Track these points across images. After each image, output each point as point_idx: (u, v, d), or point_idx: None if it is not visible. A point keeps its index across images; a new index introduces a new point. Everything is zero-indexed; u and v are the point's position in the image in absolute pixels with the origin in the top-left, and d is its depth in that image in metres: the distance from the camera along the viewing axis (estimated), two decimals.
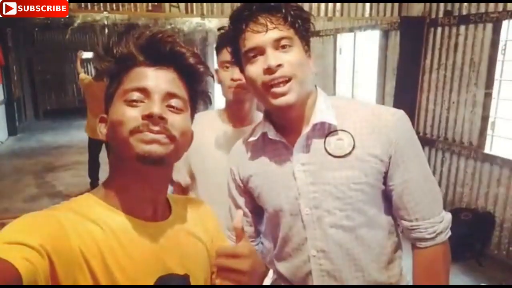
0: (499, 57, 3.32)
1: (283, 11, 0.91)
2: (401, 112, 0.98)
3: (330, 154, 0.95)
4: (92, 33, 10.69)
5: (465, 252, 3.28)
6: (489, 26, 3.33)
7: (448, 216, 1.00)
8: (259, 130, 1.03)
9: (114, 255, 0.65)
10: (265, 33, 0.90)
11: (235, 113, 1.40)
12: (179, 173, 1.42)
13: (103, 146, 4.49)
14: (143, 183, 0.71)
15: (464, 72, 3.59)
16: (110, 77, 0.73)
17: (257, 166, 1.04)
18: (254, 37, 0.91)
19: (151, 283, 0.68)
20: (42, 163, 6.36)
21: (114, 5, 2.48)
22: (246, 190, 1.09)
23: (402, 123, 0.96)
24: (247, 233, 1.09)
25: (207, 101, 0.81)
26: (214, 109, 1.47)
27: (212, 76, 0.82)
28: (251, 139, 1.05)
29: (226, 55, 1.27)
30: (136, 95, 0.68)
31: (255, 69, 0.92)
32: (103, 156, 4.56)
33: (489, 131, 3.49)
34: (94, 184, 4.88)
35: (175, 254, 0.73)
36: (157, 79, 0.70)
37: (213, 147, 1.38)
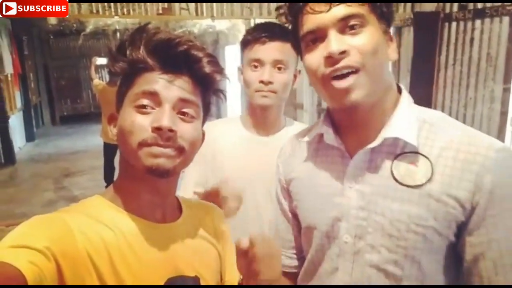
0: None
1: None
2: (509, 151, 0.73)
3: (396, 180, 0.74)
4: (106, 39, 10.86)
5: None
6: (506, 19, 3.24)
7: None
8: (315, 130, 0.86)
9: (123, 257, 0.64)
10: (328, 9, 0.70)
11: (260, 120, 1.26)
12: (186, 189, 1.27)
13: (118, 150, 4.54)
14: (151, 189, 0.71)
15: (481, 67, 3.51)
16: (123, 77, 0.71)
17: (303, 170, 0.88)
18: (314, 17, 0.71)
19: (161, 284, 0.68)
20: (59, 168, 6.46)
21: (125, 9, 2.51)
22: (288, 192, 0.93)
23: (507, 166, 0.71)
24: (291, 243, 0.95)
25: (222, 99, 0.78)
26: (237, 115, 1.36)
27: (229, 79, 0.78)
28: (305, 139, 0.88)
29: (257, 52, 1.18)
30: (146, 101, 0.66)
31: (314, 58, 0.73)
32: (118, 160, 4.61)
33: (508, 127, 3.40)
34: None
35: (185, 255, 0.73)
36: (170, 84, 0.67)
37: (233, 155, 1.26)
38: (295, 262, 0.96)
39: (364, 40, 0.70)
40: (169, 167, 0.66)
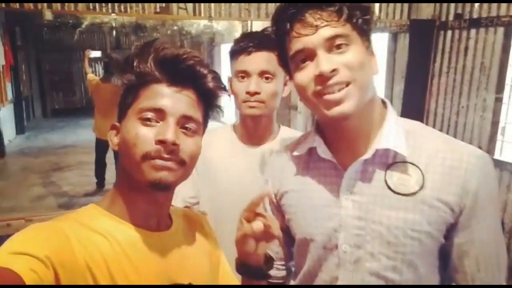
0: (511, 61, 3.28)
1: (336, 3, 0.74)
2: (487, 157, 0.80)
3: (390, 189, 0.78)
4: (101, 33, 10.77)
5: None
6: (501, 30, 3.28)
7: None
8: (307, 143, 0.88)
9: (120, 266, 0.64)
10: (315, 31, 0.74)
11: (250, 129, 1.25)
12: (177, 199, 1.23)
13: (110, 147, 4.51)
14: (150, 200, 0.71)
15: (474, 76, 3.54)
16: (127, 87, 0.72)
17: (295, 183, 0.90)
18: (302, 38, 0.75)
19: None
20: (49, 163, 6.40)
21: (122, 7, 2.48)
22: (279, 207, 0.95)
23: (487, 172, 0.78)
24: (278, 255, 0.98)
25: (219, 113, 0.80)
26: (229, 124, 1.36)
27: (229, 95, 0.80)
28: (295, 153, 0.90)
29: (242, 63, 1.17)
30: (151, 114, 0.67)
31: (305, 76, 0.77)
32: (110, 157, 4.58)
33: (499, 137, 3.45)
34: (100, 184, 4.90)
35: (179, 263, 0.73)
36: (175, 100, 0.69)
37: (221, 164, 1.25)
38: (282, 273, 1.00)
39: (351, 57, 0.74)
40: (171, 181, 0.67)
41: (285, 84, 1.24)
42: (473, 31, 3.51)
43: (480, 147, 3.53)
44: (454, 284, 0.84)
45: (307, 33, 0.74)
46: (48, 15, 2.21)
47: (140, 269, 0.67)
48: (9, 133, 7.78)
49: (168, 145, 0.65)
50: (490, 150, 3.46)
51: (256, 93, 1.16)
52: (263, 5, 2.91)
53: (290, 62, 0.81)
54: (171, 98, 0.69)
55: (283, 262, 1.00)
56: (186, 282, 0.73)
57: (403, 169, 0.79)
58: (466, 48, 3.59)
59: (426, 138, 0.82)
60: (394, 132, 0.80)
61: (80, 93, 11.94)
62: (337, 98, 0.74)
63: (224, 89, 0.76)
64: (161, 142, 0.65)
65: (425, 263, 0.80)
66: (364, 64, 0.76)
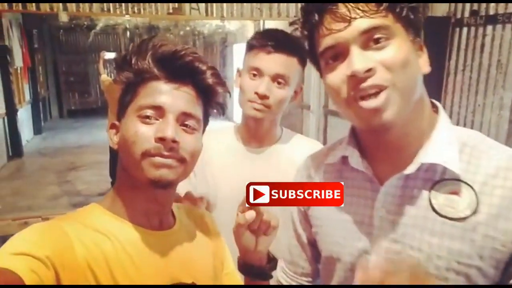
0: None
1: None
2: None
3: (435, 211, 0.66)
4: (115, 35, 10.90)
5: None
6: None
7: None
8: (340, 151, 0.77)
9: (121, 265, 0.64)
10: (348, 25, 0.62)
11: (252, 131, 1.19)
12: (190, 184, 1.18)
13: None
14: (150, 198, 0.71)
15: (491, 74, 3.48)
16: (126, 85, 0.72)
17: None
18: (333, 32, 0.64)
19: None
20: (66, 162, 6.51)
21: (135, 8, 2.51)
22: (306, 217, 0.85)
23: None
24: (304, 270, 0.89)
25: (220, 111, 0.79)
26: (231, 124, 1.30)
27: (229, 93, 0.79)
28: (327, 161, 0.80)
29: (258, 60, 1.09)
30: (150, 112, 0.67)
31: (335, 78, 0.65)
32: None
33: None
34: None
35: (181, 262, 0.73)
36: (174, 97, 0.68)
37: (222, 166, 1.19)
38: None
39: (391, 54, 0.62)
40: (171, 178, 0.66)
41: (296, 92, 1.18)
42: (489, 28, 3.44)
43: None
44: None
45: (339, 28, 0.62)
46: (63, 17, 2.26)
47: (142, 268, 0.66)
48: (27, 134, 7.94)
49: (168, 142, 0.65)
50: None
51: (265, 96, 1.09)
52: (275, 4, 2.91)
53: (320, 60, 0.69)
54: (170, 95, 0.68)
55: (310, 279, 0.90)
56: (189, 281, 0.72)
57: (453, 189, 0.65)
58: (482, 45, 3.52)
59: (486, 153, 0.67)
60: (445, 143, 0.67)
61: (96, 94, 12.09)
62: (375, 106, 0.62)
63: (224, 85, 0.74)
64: (160, 139, 0.65)
65: None
66: (408, 63, 0.63)
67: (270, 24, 5.31)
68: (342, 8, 0.62)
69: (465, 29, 3.68)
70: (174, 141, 0.65)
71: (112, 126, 0.73)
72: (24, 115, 7.60)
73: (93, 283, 0.61)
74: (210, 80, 0.72)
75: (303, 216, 0.86)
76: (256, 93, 1.09)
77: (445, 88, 3.90)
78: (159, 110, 0.67)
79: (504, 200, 0.62)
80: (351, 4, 0.62)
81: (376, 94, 0.62)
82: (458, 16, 3.74)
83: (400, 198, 0.69)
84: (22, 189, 5.16)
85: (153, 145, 0.65)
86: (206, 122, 0.77)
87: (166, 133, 0.65)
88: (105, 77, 4.92)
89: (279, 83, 1.11)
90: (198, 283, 0.74)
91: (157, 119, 0.67)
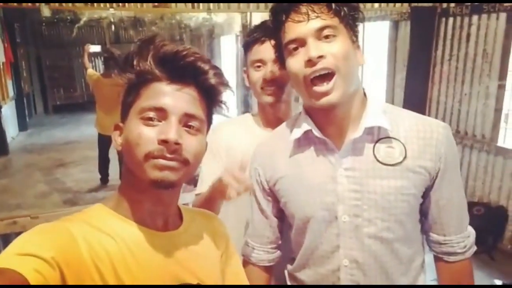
0: None
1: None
2: (449, 128, 0.95)
3: (379, 162, 0.90)
4: (100, 28, 10.72)
5: (477, 247, 3.25)
6: (503, 15, 3.25)
7: (473, 231, 1.00)
8: (301, 127, 0.95)
9: (127, 266, 0.65)
10: (306, 23, 0.84)
11: (270, 116, 1.29)
12: (203, 184, 1.26)
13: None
14: (154, 199, 0.71)
15: (477, 63, 3.52)
16: (128, 87, 0.71)
17: (290, 168, 0.98)
18: (295, 28, 0.86)
19: None
20: (53, 159, 6.41)
21: (120, 1, 2.46)
22: (271, 193, 1.03)
23: (451, 139, 0.94)
24: (269, 239, 1.07)
25: (224, 110, 0.80)
26: (248, 114, 1.39)
27: (233, 92, 0.79)
28: (293, 137, 0.96)
29: (257, 52, 1.21)
30: (153, 114, 0.67)
31: (296, 62, 0.87)
32: (113, 152, 4.58)
33: (502, 124, 3.43)
34: (104, 180, 4.91)
35: (187, 263, 0.73)
36: (176, 98, 0.68)
37: (245, 151, 1.21)
38: (273, 256, 1.09)
39: (337, 47, 0.84)
40: (174, 180, 0.66)
41: None
42: (475, 18, 3.47)
43: (483, 135, 3.52)
44: (432, 234, 0.98)
45: (300, 20, 0.85)
46: (45, 11, 2.20)
47: (146, 268, 0.67)
48: (12, 131, 7.79)
49: (171, 144, 0.64)
50: (493, 137, 3.45)
51: (273, 81, 1.20)
52: None
53: (284, 51, 0.91)
54: (172, 97, 0.68)
55: (273, 245, 1.08)
56: (194, 282, 0.73)
57: (387, 144, 0.91)
58: (468, 35, 3.56)
59: (400, 116, 0.95)
60: (377, 113, 0.92)
61: (81, 88, 11.91)
62: (325, 90, 0.85)
63: (227, 84, 0.74)
64: (163, 141, 0.65)
65: (411, 220, 0.94)
66: (349, 55, 0.86)
67: (257, 16, 5.27)
68: (303, 8, 0.85)
69: (451, 19, 3.71)
70: (177, 143, 0.65)
71: (116, 127, 0.73)
72: (8, 112, 7.45)
73: (99, 283, 0.61)
74: (213, 80, 0.71)
75: (266, 193, 1.04)
76: (265, 79, 1.21)
77: (432, 78, 3.93)
78: (162, 112, 0.67)
79: (420, 147, 0.90)
80: (310, 5, 0.84)
81: (327, 80, 0.84)
82: (444, 5, 3.76)
83: (353, 157, 0.92)
84: (10, 188, 5.08)
85: (156, 147, 0.65)
86: (209, 122, 0.77)
87: (169, 135, 0.64)
88: (92, 71, 4.82)
89: (280, 64, 1.19)
90: (203, 284, 0.74)
91: (159, 121, 0.67)
